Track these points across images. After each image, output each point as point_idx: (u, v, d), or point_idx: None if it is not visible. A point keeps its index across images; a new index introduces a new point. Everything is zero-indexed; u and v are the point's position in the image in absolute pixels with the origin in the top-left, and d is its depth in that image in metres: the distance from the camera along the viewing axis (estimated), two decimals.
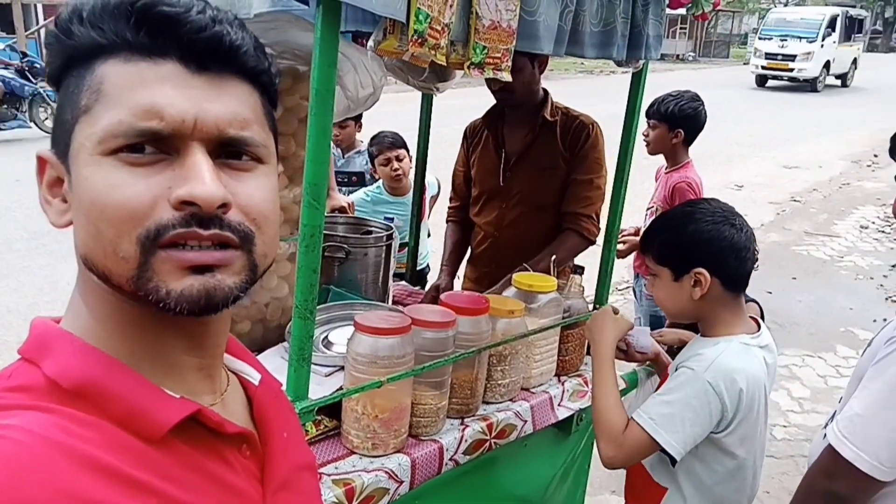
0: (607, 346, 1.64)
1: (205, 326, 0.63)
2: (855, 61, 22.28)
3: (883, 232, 7.50)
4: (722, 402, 1.42)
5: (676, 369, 1.52)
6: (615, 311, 1.82)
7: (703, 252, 1.48)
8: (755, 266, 2.22)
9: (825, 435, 1.45)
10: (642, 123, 2.74)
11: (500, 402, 1.81)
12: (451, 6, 1.22)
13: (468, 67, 1.32)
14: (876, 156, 11.22)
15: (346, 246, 2.01)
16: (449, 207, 2.70)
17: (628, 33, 1.70)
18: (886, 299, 5.65)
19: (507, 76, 1.39)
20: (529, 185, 2.37)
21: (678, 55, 32.27)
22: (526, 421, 1.80)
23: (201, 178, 0.55)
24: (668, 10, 1.71)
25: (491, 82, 2.27)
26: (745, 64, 32.65)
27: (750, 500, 1.61)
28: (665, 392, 1.49)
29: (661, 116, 3.11)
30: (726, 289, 1.49)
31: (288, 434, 0.72)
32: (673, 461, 1.50)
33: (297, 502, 0.70)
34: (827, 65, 20.47)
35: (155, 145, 0.56)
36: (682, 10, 1.65)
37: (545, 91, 2.40)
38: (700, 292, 1.48)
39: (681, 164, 3.25)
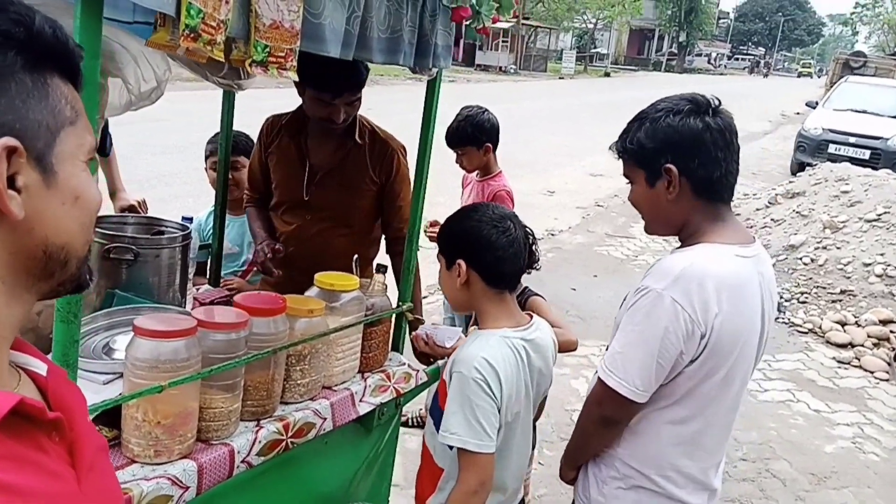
0: None
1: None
2: None
3: None
4: (489, 386, 1.53)
5: (451, 375, 1.61)
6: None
7: (463, 245, 1.64)
8: (527, 269, 2.40)
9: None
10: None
11: (300, 402, 1.81)
12: (226, 2, 1.21)
13: (250, 65, 1.31)
14: None
15: (133, 247, 1.90)
16: (246, 194, 2.64)
17: (415, 41, 1.77)
18: None
19: (293, 75, 1.40)
20: (336, 202, 2.38)
21: (501, 67, 33.93)
22: (325, 418, 1.82)
23: None
24: (449, 22, 1.80)
25: (335, 117, 2.23)
26: (560, 78, 35.13)
27: (516, 478, 1.75)
28: (451, 403, 1.57)
29: (464, 141, 3.15)
30: (487, 283, 1.63)
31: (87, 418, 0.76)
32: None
33: (102, 482, 0.73)
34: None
35: None
36: (464, 22, 1.75)
37: None
38: (460, 281, 1.62)
39: (495, 174, 3.36)
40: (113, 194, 2.78)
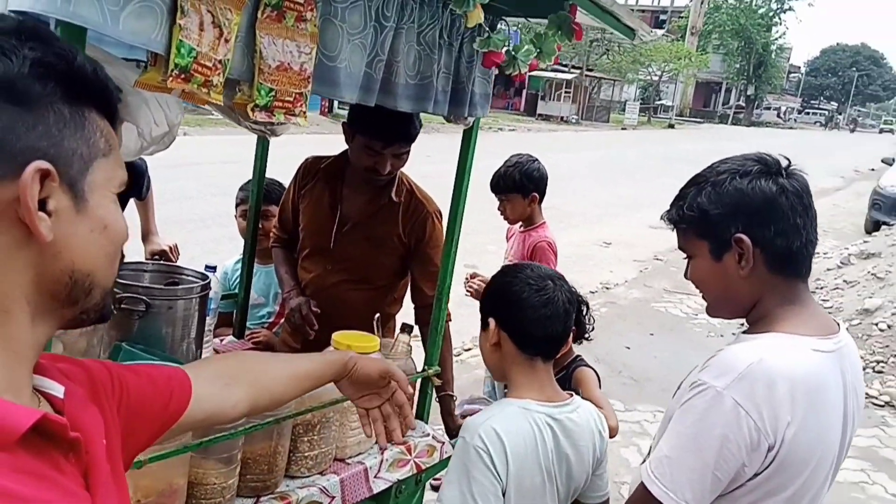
0: None
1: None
2: None
3: None
4: (491, 459, 1.37)
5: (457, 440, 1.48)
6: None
7: (495, 303, 1.54)
8: (577, 339, 2.21)
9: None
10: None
11: (307, 476, 1.65)
12: (226, 41, 1.10)
13: (252, 110, 1.20)
14: None
15: (145, 298, 1.80)
16: (274, 233, 2.53)
17: (450, 89, 1.65)
18: None
19: (302, 122, 1.28)
20: (360, 256, 2.27)
21: (562, 117, 33.94)
22: (334, 497, 1.65)
23: None
24: (486, 68, 1.66)
25: (381, 167, 2.14)
26: (622, 129, 34.89)
27: None
28: (449, 471, 1.44)
29: (510, 188, 3.02)
30: (517, 347, 1.49)
31: (107, 440, 0.74)
32: None
33: None
34: None
35: None
36: (497, 70, 1.61)
37: None
38: (491, 341, 1.51)
39: (537, 225, 3.22)
40: (145, 237, 2.73)
